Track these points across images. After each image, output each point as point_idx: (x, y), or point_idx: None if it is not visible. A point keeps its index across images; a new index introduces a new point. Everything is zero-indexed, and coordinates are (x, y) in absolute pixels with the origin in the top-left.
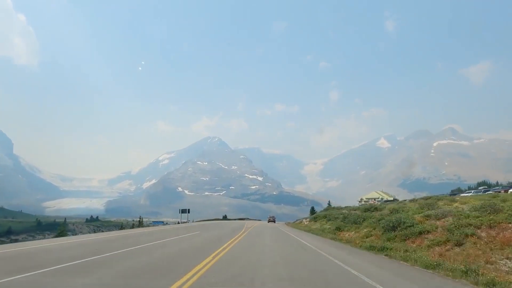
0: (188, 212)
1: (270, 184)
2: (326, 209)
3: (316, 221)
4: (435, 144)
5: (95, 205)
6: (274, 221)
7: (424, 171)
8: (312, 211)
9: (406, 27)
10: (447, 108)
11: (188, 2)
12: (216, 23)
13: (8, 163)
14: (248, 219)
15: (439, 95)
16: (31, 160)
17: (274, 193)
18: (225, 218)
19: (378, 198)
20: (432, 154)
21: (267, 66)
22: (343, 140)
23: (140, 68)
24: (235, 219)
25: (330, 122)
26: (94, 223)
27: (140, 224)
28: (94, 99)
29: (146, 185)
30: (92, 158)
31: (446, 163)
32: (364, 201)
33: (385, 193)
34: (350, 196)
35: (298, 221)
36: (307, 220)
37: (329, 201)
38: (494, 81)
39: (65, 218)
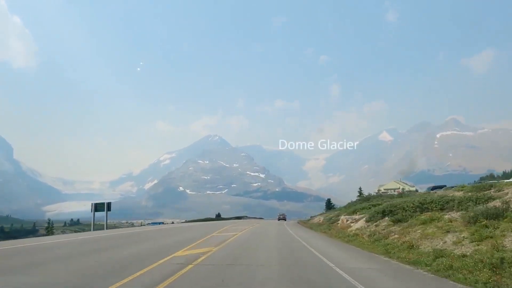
0: (108, 209)
1: (272, 181)
2: (365, 199)
3: (375, 222)
4: (438, 136)
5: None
6: (285, 219)
7: (429, 163)
8: (329, 204)
9: (407, 17)
10: (449, 99)
11: (187, 1)
12: (214, 21)
13: (9, 168)
14: (246, 217)
15: (441, 86)
16: (32, 164)
17: (277, 189)
18: (218, 217)
19: (398, 188)
20: (435, 146)
21: (267, 62)
22: (344, 134)
23: (138, 69)
24: (230, 218)
25: (331, 117)
26: (74, 227)
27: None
28: (93, 100)
29: (147, 186)
30: (93, 160)
31: (451, 155)
32: (383, 192)
33: (404, 183)
34: (353, 191)
35: (321, 218)
36: (351, 219)
37: (360, 188)
38: (497, 70)
39: (34, 223)
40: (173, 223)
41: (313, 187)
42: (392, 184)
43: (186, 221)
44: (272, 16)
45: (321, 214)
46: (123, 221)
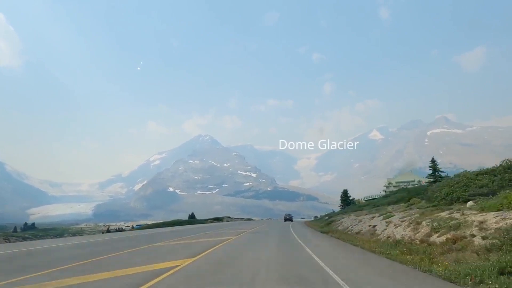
0: None
1: (264, 180)
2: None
3: None
4: (428, 133)
5: (83, 210)
6: (292, 220)
7: (420, 161)
8: (346, 197)
9: (400, 15)
10: (439, 97)
11: None
12: (206, 17)
13: None
14: (229, 219)
15: (432, 84)
16: (18, 166)
17: (269, 189)
18: (192, 219)
19: (413, 181)
20: (426, 143)
21: (260, 60)
22: (337, 133)
23: (138, 68)
24: (206, 220)
25: (324, 116)
26: (23, 233)
27: None
28: (82, 101)
29: (137, 187)
30: (81, 161)
31: (441, 152)
32: (394, 186)
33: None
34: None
35: (392, 224)
36: None
37: (433, 159)
38: (485, 69)
39: None
40: (121, 230)
41: (305, 186)
42: (406, 176)
43: (138, 227)
44: (265, 12)
45: (353, 213)
46: (100, 224)
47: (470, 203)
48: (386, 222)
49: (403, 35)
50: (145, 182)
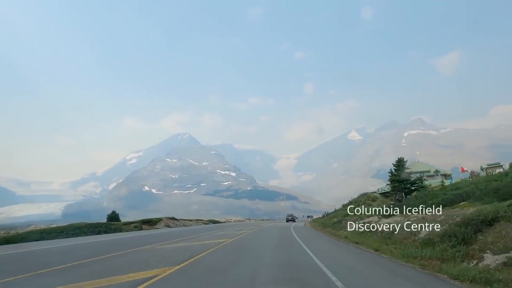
0: None
1: (243, 180)
2: None
3: None
4: (405, 135)
5: (52, 210)
6: (294, 220)
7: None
8: (398, 176)
9: (382, 16)
10: (415, 99)
11: None
12: (186, 10)
13: None
14: (174, 223)
15: (407, 85)
16: None
17: (248, 188)
18: (114, 221)
19: (428, 171)
20: (403, 144)
21: (242, 56)
22: (317, 133)
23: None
24: (131, 223)
25: (305, 115)
26: None
27: None
28: (53, 93)
29: (112, 186)
30: (53, 159)
31: (418, 153)
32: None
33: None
34: (325, 188)
35: None
36: None
37: None
38: (458, 72)
39: None
40: None
41: (284, 185)
42: (418, 166)
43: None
44: (248, 7)
45: None
46: (52, 225)
47: None
48: None
49: (384, 35)
50: (120, 181)
